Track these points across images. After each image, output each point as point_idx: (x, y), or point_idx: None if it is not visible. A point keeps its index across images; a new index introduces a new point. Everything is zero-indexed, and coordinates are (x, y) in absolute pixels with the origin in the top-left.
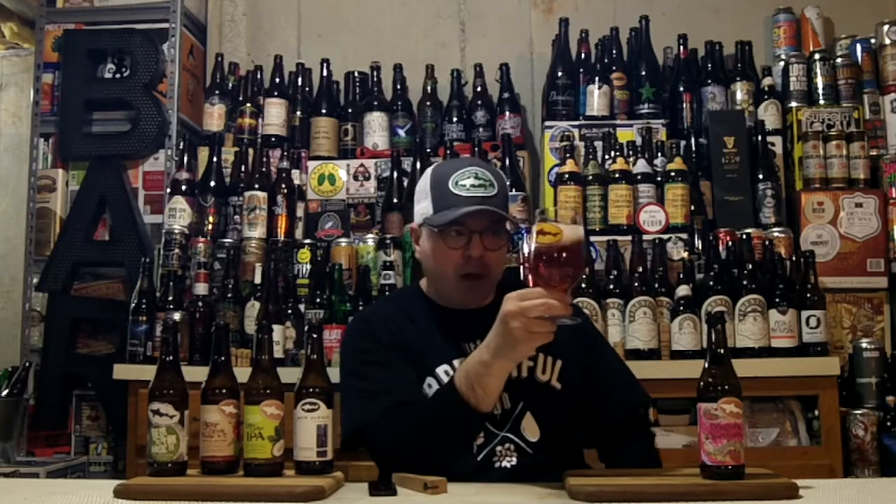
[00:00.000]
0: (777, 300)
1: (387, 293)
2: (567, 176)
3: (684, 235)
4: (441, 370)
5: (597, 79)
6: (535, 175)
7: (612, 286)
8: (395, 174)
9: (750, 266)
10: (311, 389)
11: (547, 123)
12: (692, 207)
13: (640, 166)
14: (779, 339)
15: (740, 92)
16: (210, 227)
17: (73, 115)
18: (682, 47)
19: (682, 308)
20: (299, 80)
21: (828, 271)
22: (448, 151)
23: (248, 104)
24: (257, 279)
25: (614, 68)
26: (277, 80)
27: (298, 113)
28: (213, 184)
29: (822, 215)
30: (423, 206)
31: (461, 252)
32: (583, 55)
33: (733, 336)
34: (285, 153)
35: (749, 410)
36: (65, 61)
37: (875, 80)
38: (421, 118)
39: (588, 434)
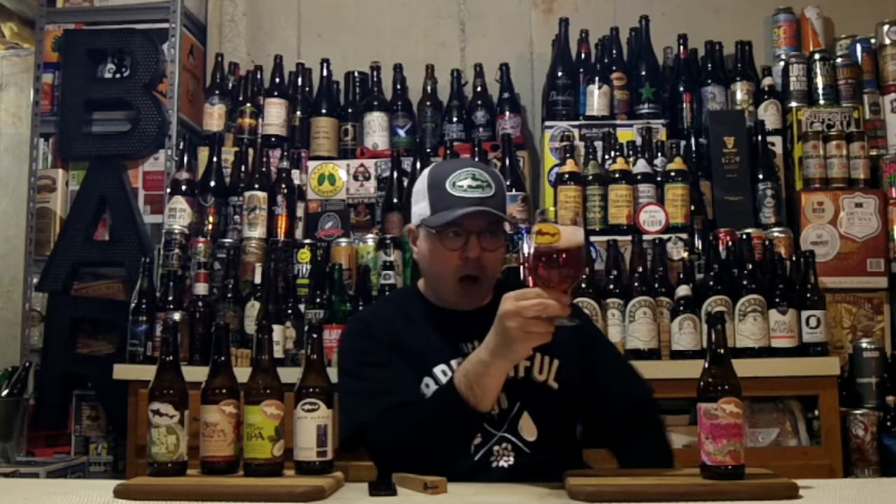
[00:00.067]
0: (777, 300)
1: (387, 293)
2: (567, 176)
3: (684, 235)
4: (439, 370)
5: (597, 79)
6: (535, 175)
7: (612, 286)
8: (395, 174)
9: (750, 266)
10: (311, 389)
11: (547, 123)
12: (692, 207)
13: (640, 166)
14: (779, 339)
15: (740, 92)
16: (210, 227)
17: (73, 115)
18: (682, 47)
19: (682, 308)
20: (299, 80)
21: (828, 271)
22: (448, 151)
23: (248, 104)
24: (257, 279)
25: (614, 68)
26: (277, 80)
27: (298, 113)
28: (213, 184)
29: (822, 215)
30: (420, 208)
31: (459, 253)
32: (583, 55)
33: (733, 336)
34: (285, 153)
35: (749, 410)
36: (65, 61)
37: (875, 80)
38: (421, 118)
39: (590, 434)
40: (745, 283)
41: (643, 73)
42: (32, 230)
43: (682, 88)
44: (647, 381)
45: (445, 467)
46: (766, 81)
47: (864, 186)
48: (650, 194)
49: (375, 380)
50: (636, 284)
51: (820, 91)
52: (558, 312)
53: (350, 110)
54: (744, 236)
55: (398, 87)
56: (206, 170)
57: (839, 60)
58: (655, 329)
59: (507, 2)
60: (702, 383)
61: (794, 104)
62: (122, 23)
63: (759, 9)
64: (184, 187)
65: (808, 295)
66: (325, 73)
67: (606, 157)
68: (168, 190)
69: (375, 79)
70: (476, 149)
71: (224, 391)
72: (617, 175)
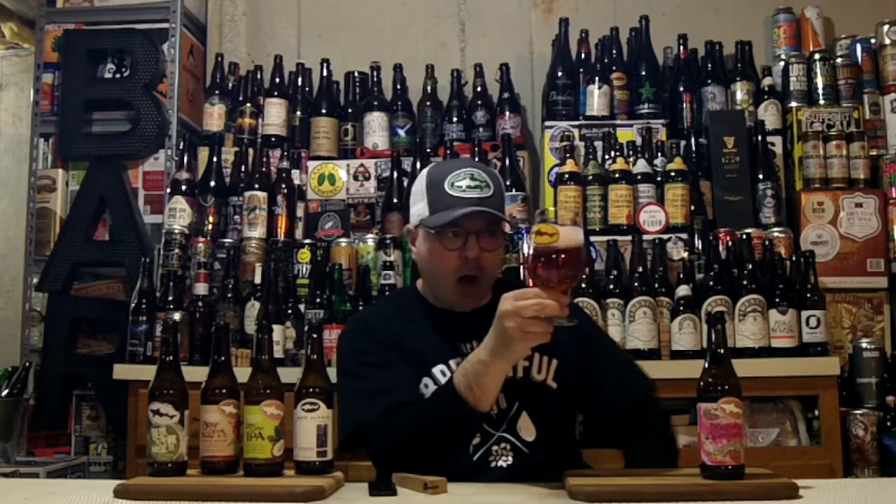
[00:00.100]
0: (777, 300)
1: (386, 293)
2: (567, 176)
3: (684, 235)
4: (437, 370)
5: (597, 79)
6: (535, 175)
7: (612, 286)
8: (395, 174)
9: (750, 266)
10: (311, 389)
11: (547, 123)
12: (692, 207)
13: (640, 166)
14: (779, 339)
15: (740, 92)
16: (210, 227)
17: (73, 115)
18: (682, 47)
19: (682, 308)
20: (299, 80)
21: (828, 271)
22: (448, 151)
23: (248, 104)
24: (257, 279)
25: (614, 68)
26: (277, 80)
27: (298, 113)
28: (213, 184)
29: (822, 215)
30: (419, 208)
31: (458, 253)
32: (583, 55)
33: (733, 336)
34: (285, 153)
35: (749, 410)
36: (65, 61)
37: (875, 80)
38: (421, 118)
39: (590, 434)
40: (745, 283)
41: (643, 73)
42: (32, 230)
43: (682, 88)
44: (649, 380)
45: (445, 467)
46: (766, 81)
47: (864, 186)
48: (650, 194)
49: (375, 380)
50: (636, 284)
51: (820, 91)
52: (557, 312)
53: (350, 110)
54: (744, 236)
55: (398, 87)
56: (206, 170)
57: (839, 60)
58: (655, 329)
59: (507, 2)
60: (702, 383)
61: (794, 104)
62: (122, 23)
63: (759, 9)
64: (184, 187)
65: (808, 295)
66: (325, 73)
67: (606, 157)
68: (168, 190)
69: (375, 79)
70: (476, 149)
71: (224, 391)
72: (617, 175)
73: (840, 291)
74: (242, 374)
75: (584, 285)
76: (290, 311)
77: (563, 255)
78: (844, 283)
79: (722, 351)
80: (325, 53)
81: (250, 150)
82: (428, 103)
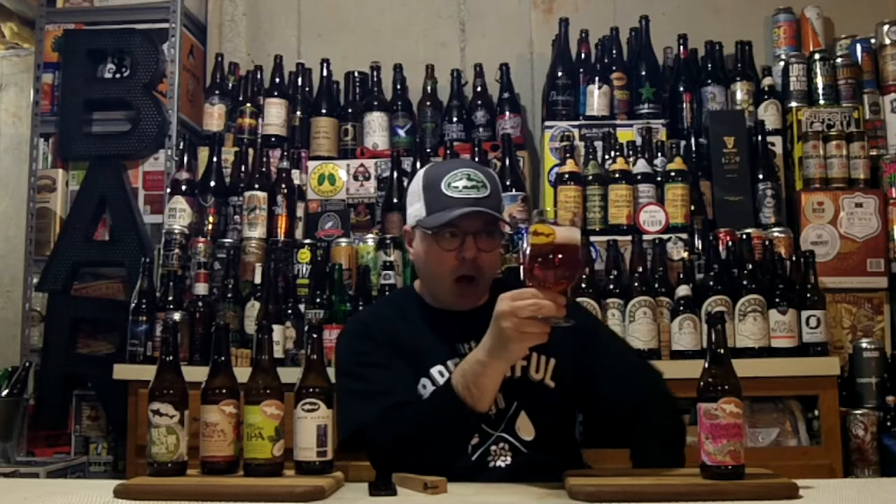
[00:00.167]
0: (777, 300)
1: (386, 293)
2: (567, 176)
3: (684, 235)
4: (435, 371)
5: (597, 79)
6: (535, 175)
7: (612, 286)
8: (395, 174)
9: (750, 266)
10: (311, 389)
11: (547, 123)
12: (692, 207)
13: (640, 166)
14: (779, 339)
15: (740, 92)
16: (210, 227)
17: (73, 115)
18: (682, 47)
19: (682, 308)
20: (299, 80)
21: (828, 271)
22: (448, 151)
23: (248, 104)
24: (257, 279)
25: (614, 68)
26: (277, 80)
27: (298, 113)
28: (213, 184)
29: (822, 215)
30: (415, 209)
31: (455, 254)
32: (583, 55)
33: (733, 336)
34: (285, 153)
35: (749, 410)
36: (65, 61)
37: (875, 80)
38: (421, 118)
39: (591, 434)
40: (745, 283)
41: (643, 73)
42: (32, 230)
43: (682, 88)
44: (655, 380)
45: (443, 467)
46: (766, 81)
47: (864, 186)
48: (650, 194)
49: (374, 380)
50: (636, 284)
51: (820, 91)
52: (554, 313)
53: (350, 110)
54: (744, 236)
55: (398, 87)
56: (206, 170)
57: (839, 60)
58: (655, 329)
59: (507, 2)
60: (702, 383)
61: (794, 104)
62: (122, 23)
63: (759, 9)
64: (184, 187)
65: (808, 295)
66: (325, 73)
67: (606, 157)
68: (168, 190)
69: (375, 79)
70: (476, 149)
71: (224, 391)
72: (617, 175)
73: (840, 291)
74: (242, 374)
75: (584, 285)
76: (290, 311)
77: (559, 256)
78: (844, 283)
79: (722, 351)
80: (325, 53)
81: (250, 150)
82: (428, 103)
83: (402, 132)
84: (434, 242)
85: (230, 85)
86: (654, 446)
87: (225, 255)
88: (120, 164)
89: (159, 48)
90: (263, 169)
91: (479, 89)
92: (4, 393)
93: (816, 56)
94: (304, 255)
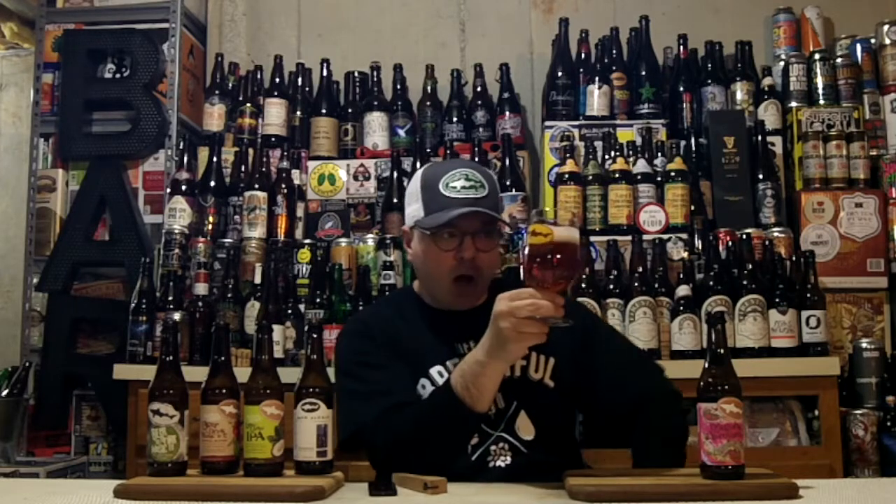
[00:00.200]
0: (777, 300)
1: (386, 293)
2: (567, 176)
3: (684, 235)
4: (435, 371)
5: (597, 79)
6: (535, 175)
7: (612, 286)
8: (395, 174)
9: (750, 266)
10: (311, 389)
11: (547, 123)
12: (692, 207)
13: (640, 166)
14: (779, 339)
15: (740, 92)
16: (210, 227)
17: (73, 115)
18: (682, 47)
19: (682, 308)
20: (299, 80)
21: (828, 271)
22: (448, 151)
23: (248, 104)
24: (257, 279)
25: (614, 68)
26: (277, 80)
27: (298, 113)
28: (213, 184)
29: (822, 215)
30: (413, 209)
31: (453, 254)
32: (583, 55)
33: (733, 336)
34: (285, 153)
35: (749, 410)
36: (65, 61)
37: (875, 80)
38: (421, 118)
39: (591, 433)
40: (745, 283)
41: (643, 73)
42: (32, 230)
43: (682, 88)
44: (657, 379)
45: (443, 468)
46: (766, 81)
47: (864, 186)
48: (650, 194)
49: (374, 381)
50: (636, 284)
51: (820, 91)
52: (552, 313)
53: (350, 110)
54: (744, 236)
55: (398, 87)
56: (206, 170)
57: (839, 60)
58: (655, 329)
59: (507, 2)
60: (702, 383)
61: (794, 104)
62: (122, 23)
63: (759, 9)
64: (184, 187)
65: (808, 295)
66: (325, 73)
67: (606, 157)
68: (168, 190)
69: (375, 79)
70: (476, 149)
71: (224, 391)
72: (617, 175)
73: (840, 291)
74: (242, 374)
75: (584, 285)
76: (290, 311)
77: (558, 256)
78: (844, 283)
79: (722, 351)
80: (325, 53)
81: (250, 150)
82: (428, 103)
83: (402, 132)
84: (432, 243)
85: (230, 85)
86: (655, 446)
87: (225, 255)
88: (120, 164)
89: (159, 48)
90: (263, 169)
91: (479, 89)
92: (4, 393)
93: (816, 56)
94: (304, 255)
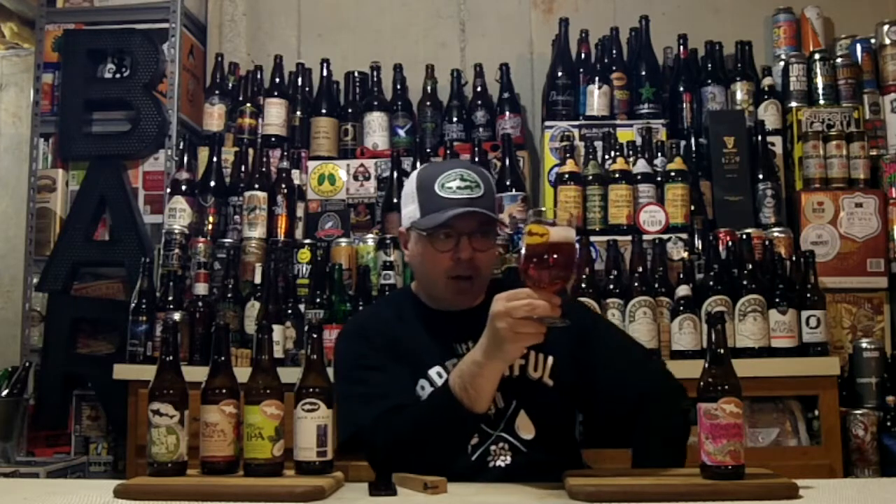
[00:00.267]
0: (777, 300)
1: (386, 293)
2: (567, 176)
3: (684, 235)
4: (434, 372)
5: (597, 79)
6: (535, 175)
7: (612, 286)
8: (395, 174)
9: (750, 266)
10: (311, 389)
11: (547, 123)
12: (692, 207)
13: (640, 166)
14: (779, 339)
15: (740, 92)
16: (210, 227)
17: (73, 115)
18: (682, 47)
19: (682, 308)
20: (299, 80)
21: (828, 271)
22: (448, 151)
23: (248, 104)
24: (257, 279)
25: (614, 68)
26: (277, 80)
27: (298, 113)
28: (213, 184)
29: (822, 215)
30: (409, 210)
31: (450, 254)
32: (583, 55)
33: (733, 336)
34: (285, 153)
35: (749, 410)
36: (65, 61)
37: (875, 80)
38: (421, 118)
39: (591, 433)
40: (745, 283)
41: (643, 73)
42: (32, 230)
43: (682, 88)
44: (658, 377)
45: (443, 468)
46: (766, 81)
47: (864, 186)
48: (650, 194)
49: (372, 383)
50: (636, 284)
51: (820, 91)
52: (548, 313)
53: (350, 110)
54: (744, 236)
55: (398, 87)
56: (206, 170)
57: (839, 60)
58: (655, 329)
59: (507, 2)
60: (702, 383)
61: (794, 104)
62: (122, 23)
63: (759, 9)
64: (184, 187)
65: (808, 295)
66: (325, 73)
67: (606, 157)
68: (168, 190)
69: (375, 79)
70: (476, 149)
71: (224, 391)
72: (617, 175)
73: (840, 291)
74: (242, 374)
75: (584, 285)
76: (290, 311)
77: (554, 256)
78: (844, 283)
79: (722, 351)
80: (325, 53)
81: (250, 150)
82: (428, 103)
83: (402, 132)
84: (429, 244)
85: (230, 85)
86: (655, 446)
87: (225, 255)
88: (120, 164)
89: (159, 48)
90: (263, 169)
91: (479, 89)
92: (4, 393)
93: (816, 56)
94: (304, 255)
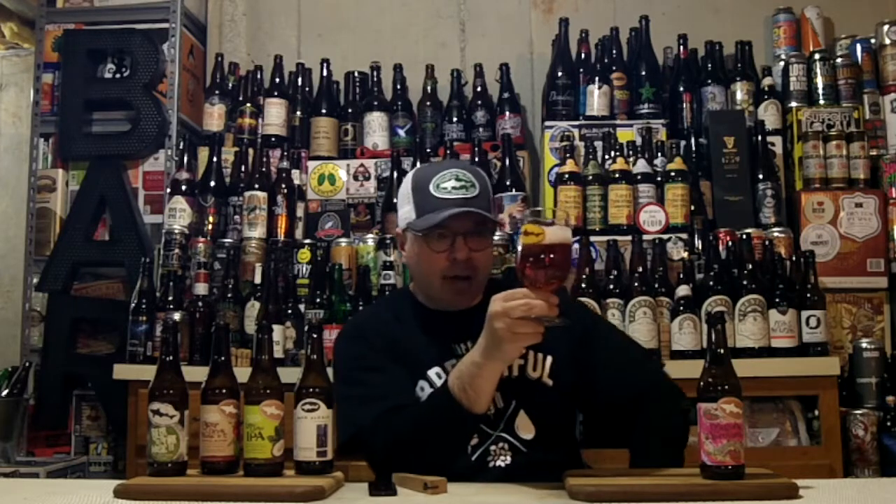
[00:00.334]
0: (777, 300)
1: (386, 293)
2: (567, 176)
3: (684, 235)
4: (433, 372)
5: (597, 79)
6: (535, 175)
7: (612, 286)
8: (395, 174)
9: (750, 266)
10: (311, 389)
11: (547, 123)
12: (692, 207)
13: (640, 166)
14: (779, 339)
15: (740, 92)
16: (210, 227)
17: (73, 115)
18: (682, 47)
19: (682, 308)
20: (299, 80)
21: (828, 271)
22: (448, 151)
23: (248, 104)
24: (257, 279)
25: (614, 68)
26: (277, 80)
27: (298, 113)
28: (213, 184)
29: (822, 215)
30: (405, 211)
31: (446, 255)
32: (583, 55)
33: (733, 336)
34: (285, 153)
35: (749, 410)
36: (65, 61)
37: (875, 80)
38: (421, 118)
39: (592, 432)
40: (745, 283)
41: (643, 73)
42: (32, 230)
43: (682, 88)
44: (656, 377)
45: (443, 468)
46: (766, 81)
47: (864, 186)
48: (650, 194)
49: (372, 384)
50: (636, 284)
51: (820, 91)
52: (546, 312)
53: (350, 110)
54: (744, 236)
55: (398, 87)
56: (206, 170)
57: (839, 60)
58: (655, 329)
59: (507, 2)
60: (702, 383)
61: (794, 104)
62: (122, 23)
63: (759, 9)
64: (184, 187)
65: (808, 295)
66: (325, 73)
67: (606, 157)
68: (168, 190)
69: (375, 79)
70: (476, 149)
71: (224, 391)
72: (617, 175)
73: (840, 291)
74: (242, 374)
75: (584, 285)
76: (290, 311)
77: (550, 255)
78: (844, 283)
79: (722, 351)
80: (325, 53)
81: (250, 150)
82: (428, 103)
83: (402, 132)
84: (425, 244)
85: (230, 85)
86: (655, 446)
87: (225, 255)
88: (120, 164)
89: (159, 48)
90: (263, 169)
91: (479, 89)
92: (4, 393)
93: (816, 56)
94: (304, 255)
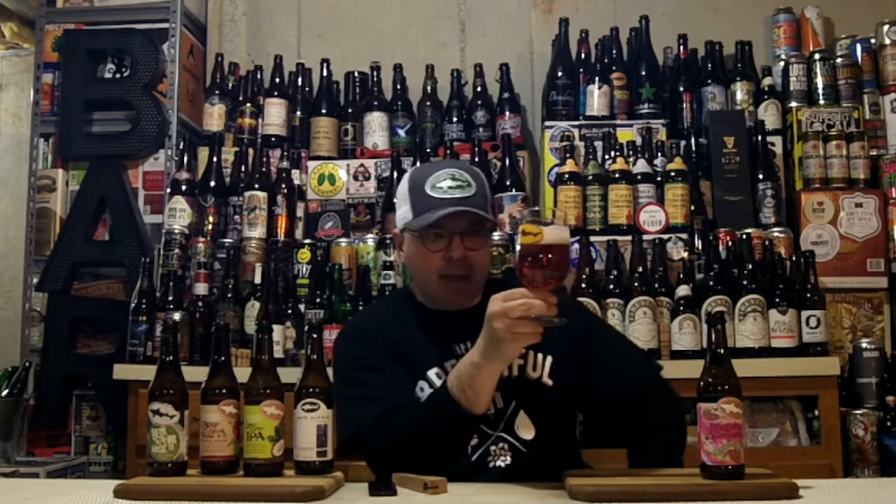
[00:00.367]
0: (777, 300)
1: (386, 293)
2: (567, 176)
3: (684, 235)
4: (432, 373)
5: (597, 79)
6: (535, 175)
7: (612, 286)
8: (395, 174)
9: (750, 266)
10: (311, 389)
11: (547, 123)
12: (692, 207)
13: (640, 166)
14: (779, 339)
15: (740, 92)
16: (210, 227)
17: (73, 115)
18: (682, 47)
19: (682, 308)
20: (299, 80)
21: (828, 271)
22: (448, 151)
23: (248, 104)
24: (257, 279)
25: (614, 68)
26: (277, 80)
27: (298, 113)
28: (213, 184)
29: (822, 215)
30: (402, 212)
31: (442, 254)
32: (583, 55)
33: (733, 336)
34: (285, 153)
35: (749, 410)
36: (65, 61)
37: (875, 80)
38: (421, 118)
39: (592, 433)
40: (745, 283)
41: (643, 73)
42: (32, 230)
43: (682, 88)
44: (654, 377)
45: (443, 469)
46: (766, 81)
47: (864, 186)
48: (650, 194)
49: (371, 384)
50: (636, 284)
51: (820, 91)
52: (544, 312)
53: (350, 110)
54: (744, 236)
55: (398, 87)
56: (206, 170)
57: (839, 60)
58: (655, 329)
59: (507, 2)
60: (702, 383)
61: (794, 104)
62: (122, 23)
63: (759, 9)
64: (184, 187)
65: (808, 295)
66: (325, 73)
67: (606, 157)
68: (168, 190)
69: (375, 79)
70: (476, 149)
71: (224, 391)
72: (617, 175)
73: (840, 291)
74: (242, 374)
75: (584, 285)
76: (290, 311)
77: (548, 255)
78: (844, 283)
79: (722, 351)
80: (325, 53)
81: (250, 150)
82: (428, 103)
83: (402, 132)
84: (421, 244)
85: (230, 85)
86: (654, 446)
87: (225, 255)
88: (120, 164)
89: (159, 48)
90: (263, 169)
91: (479, 89)
92: (4, 393)
93: (816, 56)
94: (304, 255)
